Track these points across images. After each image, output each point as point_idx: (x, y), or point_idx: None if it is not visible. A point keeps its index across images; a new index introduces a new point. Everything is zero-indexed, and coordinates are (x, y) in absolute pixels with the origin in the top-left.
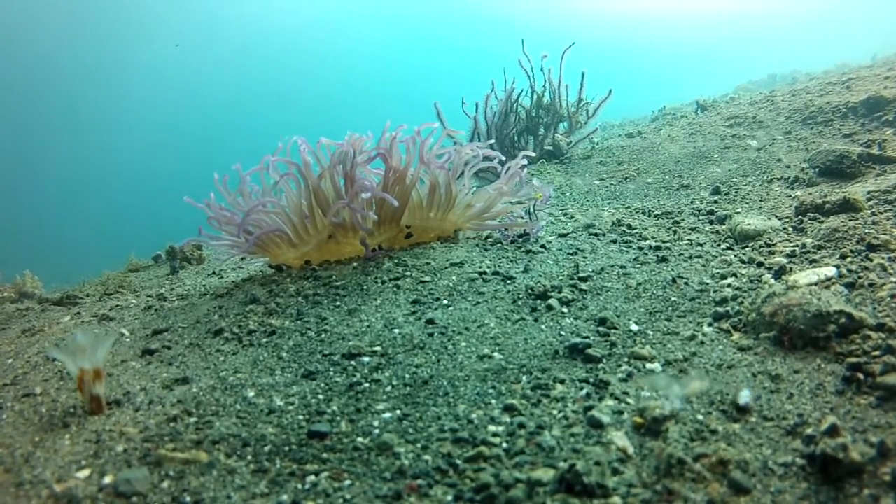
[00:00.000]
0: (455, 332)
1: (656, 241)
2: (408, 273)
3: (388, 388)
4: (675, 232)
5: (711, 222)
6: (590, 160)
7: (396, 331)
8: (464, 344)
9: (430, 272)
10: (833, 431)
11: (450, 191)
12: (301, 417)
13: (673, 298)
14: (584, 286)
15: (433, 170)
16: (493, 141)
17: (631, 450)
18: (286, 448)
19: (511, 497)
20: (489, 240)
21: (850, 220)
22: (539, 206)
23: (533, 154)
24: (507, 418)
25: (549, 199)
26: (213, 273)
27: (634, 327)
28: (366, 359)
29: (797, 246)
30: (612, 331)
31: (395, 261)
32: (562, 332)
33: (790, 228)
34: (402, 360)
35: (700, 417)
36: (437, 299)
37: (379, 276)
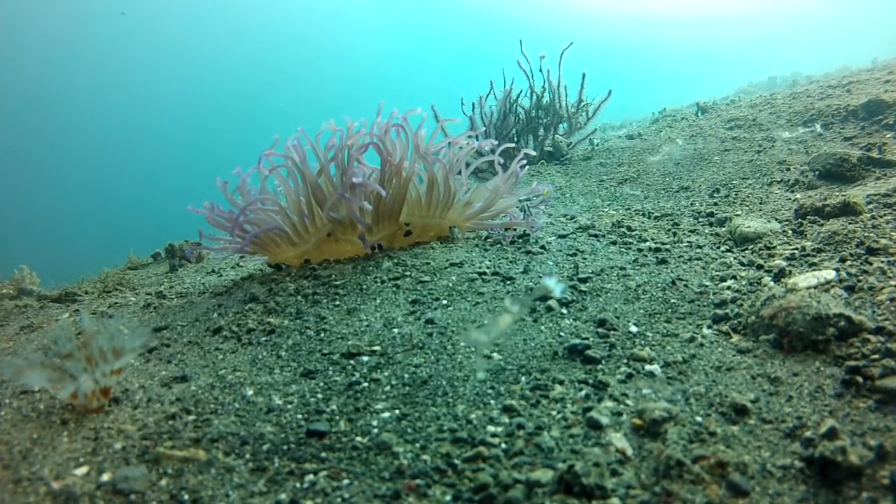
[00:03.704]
0: (454, 333)
1: (656, 243)
2: (407, 273)
3: (387, 388)
4: (674, 234)
5: (711, 224)
6: (590, 161)
7: (396, 330)
8: (463, 344)
9: (430, 272)
10: (832, 434)
11: (448, 187)
12: (300, 416)
13: (672, 300)
14: (583, 287)
15: (430, 165)
16: (485, 129)
17: (630, 451)
18: (285, 447)
19: (510, 497)
20: (489, 240)
21: (850, 223)
22: (539, 205)
23: (534, 153)
24: (505, 419)
25: (550, 200)
26: (213, 271)
27: (634, 329)
28: (365, 358)
29: (797, 249)
30: (612, 332)
31: (395, 260)
32: (561, 333)
33: (790, 231)
34: (401, 359)
35: (699, 419)
36: (437, 299)
37: (378, 276)
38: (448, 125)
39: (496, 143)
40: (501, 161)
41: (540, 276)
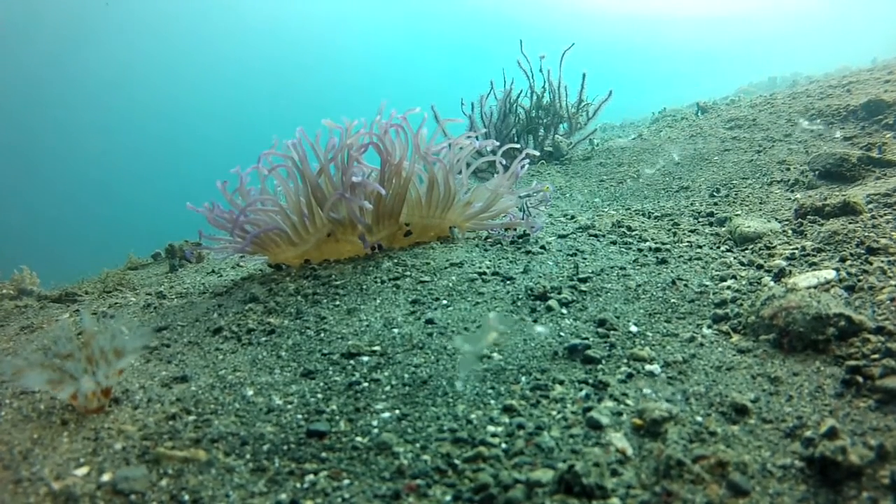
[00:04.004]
0: (454, 333)
1: (656, 243)
2: (407, 273)
3: (388, 388)
4: (674, 234)
5: (711, 224)
6: (590, 161)
7: (396, 330)
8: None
9: (430, 272)
10: (832, 434)
11: (448, 188)
12: (300, 416)
13: (672, 300)
14: (583, 287)
15: (430, 164)
16: (486, 130)
17: (630, 451)
18: (285, 447)
19: (510, 497)
20: (489, 240)
21: (850, 223)
22: (539, 205)
23: (537, 153)
24: (506, 419)
25: (549, 200)
26: (213, 271)
27: (634, 328)
28: (365, 358)
29: (797, 249)
30: (612, 332)
31: (395, 260)
32: (561, 333)
33: (790, 231)
34: (401, 359)
35: (699, 419)
36: (437, 299)
37: (378, 276)
38: (448, 126)
39: (497, 143)
40: (504, 162)
41: (540, 277)
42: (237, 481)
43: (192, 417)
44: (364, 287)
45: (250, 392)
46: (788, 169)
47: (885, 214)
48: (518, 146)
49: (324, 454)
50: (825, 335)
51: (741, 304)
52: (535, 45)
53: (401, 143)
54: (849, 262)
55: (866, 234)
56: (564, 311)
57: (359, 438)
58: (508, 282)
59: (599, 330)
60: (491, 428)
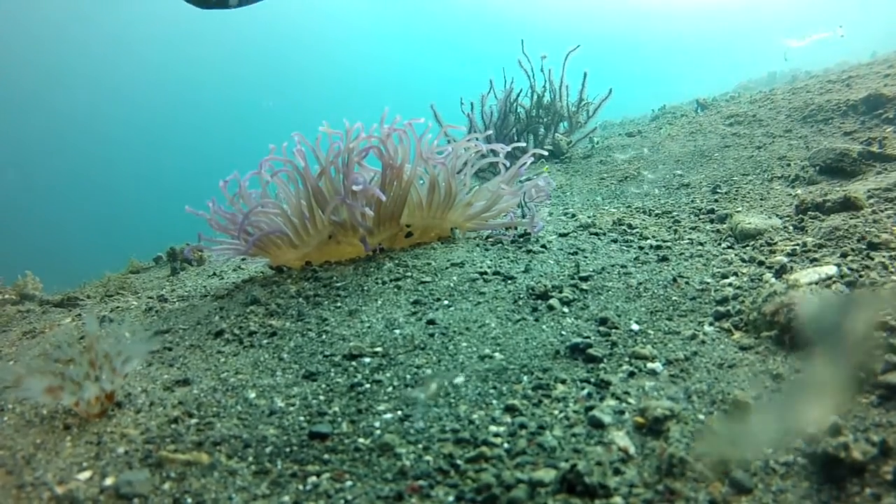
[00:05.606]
0: (456, 333)
1: (657, 241)
2: (408, 273)
3: (389, 389)
4: (675, 231)
5: (712, 221)
6: (590, 159)
7: (397, 331)
8: (465, 344)
9: (431, 272)
10: (835, 430)
11: (450, 189)
12: (302, 418)
13: (674, 298)
14: (584, 286)
15: (431, 166)
16: (491, 132)
17: (632, 450)
18: (287, 449)
19: (512, 497)
20: (490, 240)
21: (851, 218)
22: (538, 201)
23: (545, 153)
24: (508, 418)
25: (549, 197)
26: (214, 274)
27: (635, 327)
28: (367, 359)
29: (798, 245)
30: (613, 330)
31: (396, 261)
32: (563, 332)
33: (791, 227)
34: (403, 360)
35: (701, 417)
36: (438, 300)
37: (380, 277)
38: (450, 130)
39: (507, 147)
40: (507, 164)
41: (541, 276)
42: (240, 484)
43: (194, 420)
44: (365, 288)
45: (252, 394)
46: (789, 165)
47: (885, 209)
48: (523, 145)
49: (326, 456)
50: None
51: (743, 301)
52: (534, 44)
53: (403, 146)
54: (850, 258)
55: (867, 229)
56: (566, 309)
57: (361, 440)
58: (509, 281)
59: (601, 328)
60: (493, 428)
